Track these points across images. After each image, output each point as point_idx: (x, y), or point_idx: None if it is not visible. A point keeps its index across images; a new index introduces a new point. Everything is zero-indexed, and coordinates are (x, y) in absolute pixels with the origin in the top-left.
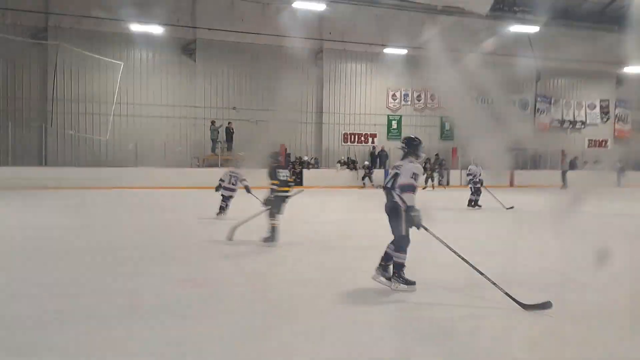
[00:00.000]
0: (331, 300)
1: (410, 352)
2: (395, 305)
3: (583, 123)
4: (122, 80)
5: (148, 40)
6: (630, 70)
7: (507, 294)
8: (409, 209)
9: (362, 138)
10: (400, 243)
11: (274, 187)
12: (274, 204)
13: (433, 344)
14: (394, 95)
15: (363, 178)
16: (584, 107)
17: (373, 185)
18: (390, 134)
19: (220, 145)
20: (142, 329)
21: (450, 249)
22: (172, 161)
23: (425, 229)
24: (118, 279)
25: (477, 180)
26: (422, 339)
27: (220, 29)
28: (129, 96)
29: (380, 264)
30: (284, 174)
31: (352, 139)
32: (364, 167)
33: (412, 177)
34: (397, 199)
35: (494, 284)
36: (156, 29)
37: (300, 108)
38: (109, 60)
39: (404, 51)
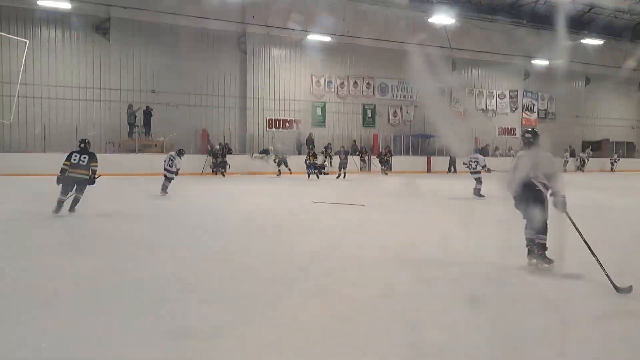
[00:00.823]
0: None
1: None
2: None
3: (494, 112)
4: (28, 60)
5: (56, 17)
6: (537, 62)
7: (608, 277)
8: (557, 194)
9: (287, 124)
10: (543, 226)
11: (65, 167)
12: (63, 182)
13: None
14: (317, 82)
15: (278, 164)
16: (495, 97)
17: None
18: (315, 121)
19: (138, 129)
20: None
21: (578, 231)
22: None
23: (567, 213)
24: (24, 270)
25: (480, 168)
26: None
27: (137, 7)
28: (36, 77)
29: (529, 251)
30: (76, 158)
31: (277, 125)
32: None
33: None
34: (540, 186)
35: (602, 267)
36: (65, 5)
37: (223, 93)
38: (12, 37)
39: (327, 38)
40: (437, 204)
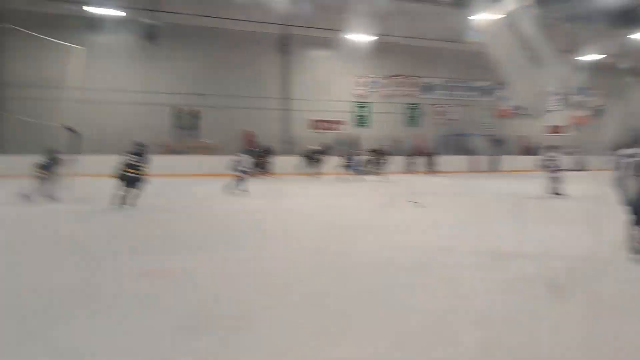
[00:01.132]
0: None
1: None
2: None
3: (544, 110)
4: (82, 66)
5: (108, 24)
6: (586, 58)
7: None
8: None
9: (331, 125)
10: None
11: (121, 166)
12: (120, 179)
13: None
14: (361, 82)
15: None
16: (545, 94)
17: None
18: (358, 121)
19: (186, 132)
20: (102, 321)
21: None
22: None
23: None
24: (75, 272)
25: (556, 166)
26: None
27: (185, 12)
28: (89, 82)
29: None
30: (131, 159)
31: (321, 126)
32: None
33: None
34: None
35: None
36: (117, 12)
37: (268, 94)
38: (68, 44)
39: (371, 38)
40: (516, 204)
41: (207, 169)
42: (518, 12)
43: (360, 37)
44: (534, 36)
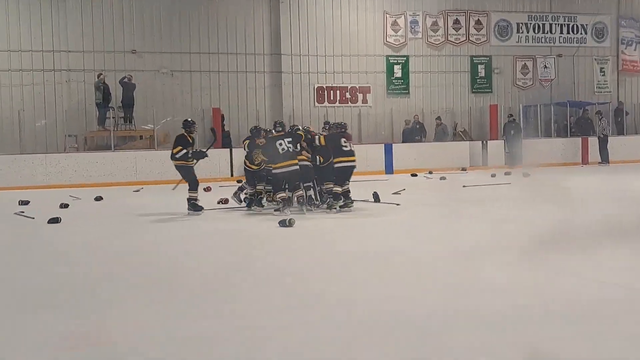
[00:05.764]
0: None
1: None
2: None
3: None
4: None
5: None
6: None
7: None
8: None
9: (348, 95)
10: None
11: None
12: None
13: None
14: (395, 23)
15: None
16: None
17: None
18: (391, 87)
19: (114, 112)
20: None
21: None
22: (33, 145)
23: None
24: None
25: None
26: None
27: None
28: None
29: None
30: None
31: (331, 97)
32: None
33: None
34: None
35: None
36: None
37: (245, 50)
38: None
39: None
40: None
41: (145, 172)
42: None
43: None
44: None
